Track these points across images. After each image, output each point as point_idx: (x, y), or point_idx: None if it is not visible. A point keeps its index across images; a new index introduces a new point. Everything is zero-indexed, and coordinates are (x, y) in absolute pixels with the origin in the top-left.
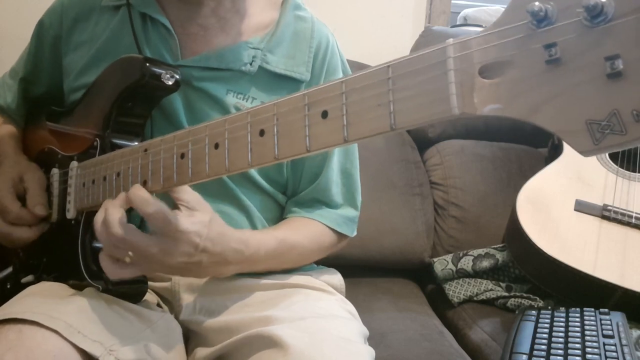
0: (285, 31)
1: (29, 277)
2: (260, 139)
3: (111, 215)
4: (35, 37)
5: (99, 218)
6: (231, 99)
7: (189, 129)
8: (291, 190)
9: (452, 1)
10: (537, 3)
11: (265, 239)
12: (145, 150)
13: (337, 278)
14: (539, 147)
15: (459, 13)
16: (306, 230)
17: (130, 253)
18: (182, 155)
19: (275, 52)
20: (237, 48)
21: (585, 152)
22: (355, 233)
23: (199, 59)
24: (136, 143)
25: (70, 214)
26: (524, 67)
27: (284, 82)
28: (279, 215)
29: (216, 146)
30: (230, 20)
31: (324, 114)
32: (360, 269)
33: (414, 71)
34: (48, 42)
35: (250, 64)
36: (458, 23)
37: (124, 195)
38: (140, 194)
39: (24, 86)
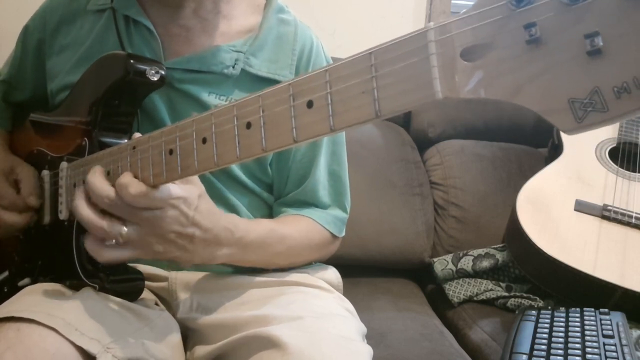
0: (268, 35)
1: (26, 281)
2: (247, 132)
3: (97, 184)
4: (21, 41)
5: (79, 201)
6: (213, 100)
7: (176, 125)
8: (277, 191)
9: (452, 1)
10: None
11: (254, 225)
12: (134, 147)
13: (334, 275)
14: (539, 147)
15: (459, 13)
16: (296, 224)
17: (124, 229)
18: (171, 151)
19: (258, 56)
20: (219, 51)
21: (568, 131)
22: (343, 233)
23: (181, 61)
24: (124, 141)
25: (63, 215)
26: (504, 48)
27: (267, 84)
28: (266, 214)
29: (204, 141)
30: (212, 22)
31: (309, 104)
32: (359, 268)
33: (396, 57)
34: (32, 45)
35: (233, 67)
36: None
37: (100, 169)
38: (125, 181)
39: (5, 89)
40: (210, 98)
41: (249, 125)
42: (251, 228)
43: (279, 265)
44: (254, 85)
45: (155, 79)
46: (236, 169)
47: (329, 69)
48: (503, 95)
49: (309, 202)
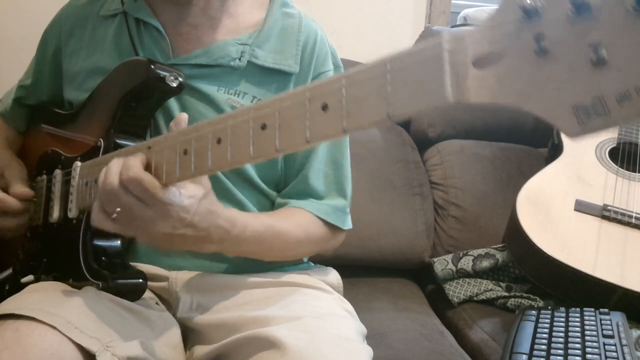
0: (273, 28)
1: (29, 277)
2: (261, 133)
3: (113, 165)
4: (39, 48)
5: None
6: (223, 96)
7: (194, 126)
8: (283, 185)
9: (452, 1)
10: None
11: (252, 222)
12: (149, 147)
13: (335, 277)
14: (539, 147)
15: (459, 13)
16: (295, 218)
17: (118, 209)
18: (185, 152)
19: (263, 47)
20: (225, 44)
21: (572, 135)
22: (349, 226)
23: (189, 57)
24: None
25: (72, 213)
26: (515, 58)
27: (274, 75)
28: (270, 209)
29: (218, 141)
30: (220, 19)
31: (324, 107)
32: (359, 268)
33: (411, 64)
34: (49, 53)
35: (239, 59)
36: (458, 23)
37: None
38: (129, 162)
39: (23, 94)
40: (219, 94)
41: (264, 127)
42: (249, 224)
43: (274, 258)
44: (261, 76)
45: (175, 85)
46: (246, 166)
47: (346, 75)
48: (511, 102)
49: (306, 192)
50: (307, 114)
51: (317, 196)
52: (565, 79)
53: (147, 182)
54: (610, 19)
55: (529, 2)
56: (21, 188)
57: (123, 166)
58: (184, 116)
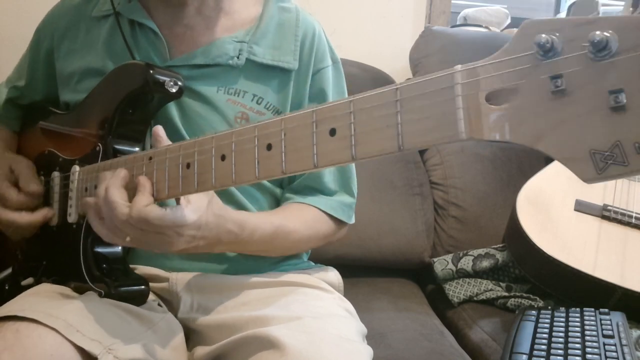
0: (270, 23)
1: (29, 280)
2: (267, 153)
3: (114, 196)
4: (32, 48)
5: (101, 193)
6: (222, 96)
7: (195, 140)
8: (287, 181)
9: (452, 1)
10: (543, 35)
11: (261, 224)
12: (150, 158)
13: (335, 276)
14: None
15: (459, 13)
16: (302, 216)
17: (127, 239)
18: (188, 165)
19: (260, 44)
20: (222, 43)
21: (588, 180)
22: (353, 220)
23: (186, 58)
24: (137, 149)
25: (72, 218)
26: (530, 96)
27: (273, 72)
28: (275, 207)
29: (222, 158)
30: (215, 19)
31: (332, 132)
32: (360, 268)
33: (422, 95)
34: (42, 53)
35: (237, 57)
36: (458, 23)
37: (124, 174)
38: (138, 200)
39: (17, 94)
40: (219, 95)
41: (269, 147)
42: (258, 227)
43: (280, 254)
44: (260, 73)
45: (174, 90)
46: None
47: (354, 100)
48: (525, 141)
49: (316, 188)
50: (314, 138)
51: (326, 193)
52: (582, 122)
53: (156, 219)
54: (630, 64)
55: (544, 37)
56: (33, 185)
57: (132, 207)
58: (159, 129)
